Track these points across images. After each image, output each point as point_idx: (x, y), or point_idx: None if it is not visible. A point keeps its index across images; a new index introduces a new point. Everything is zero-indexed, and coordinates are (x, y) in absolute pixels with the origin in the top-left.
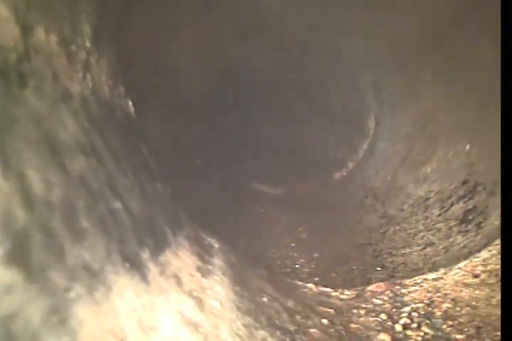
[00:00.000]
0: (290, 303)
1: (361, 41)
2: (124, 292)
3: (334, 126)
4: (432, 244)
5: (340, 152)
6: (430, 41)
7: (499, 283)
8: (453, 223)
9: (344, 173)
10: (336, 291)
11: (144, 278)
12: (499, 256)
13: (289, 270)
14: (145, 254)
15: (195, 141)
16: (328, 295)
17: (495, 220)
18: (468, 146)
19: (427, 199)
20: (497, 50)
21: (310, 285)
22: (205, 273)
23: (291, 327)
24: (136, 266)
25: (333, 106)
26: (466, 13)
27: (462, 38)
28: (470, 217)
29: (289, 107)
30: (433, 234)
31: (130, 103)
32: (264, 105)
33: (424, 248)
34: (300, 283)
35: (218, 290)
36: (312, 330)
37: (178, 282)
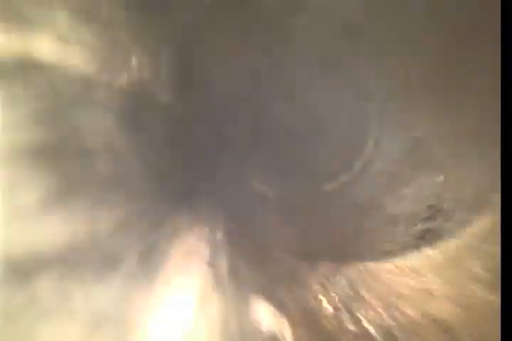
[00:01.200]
0: None
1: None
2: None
3: (331, 144)
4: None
5: (335, 168)
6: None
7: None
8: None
9: (336, 186)
10: None
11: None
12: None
13: None
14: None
15: (195, 141)
16: None
17: (446, 242)
18: (442, 177)
19: (397, 216)
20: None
21: None
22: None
23: None
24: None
25: (334, 127)
26: (466, 46)
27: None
28: (427, 236)
29: (288, 127)
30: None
31: None
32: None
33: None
34: None
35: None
36: None
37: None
